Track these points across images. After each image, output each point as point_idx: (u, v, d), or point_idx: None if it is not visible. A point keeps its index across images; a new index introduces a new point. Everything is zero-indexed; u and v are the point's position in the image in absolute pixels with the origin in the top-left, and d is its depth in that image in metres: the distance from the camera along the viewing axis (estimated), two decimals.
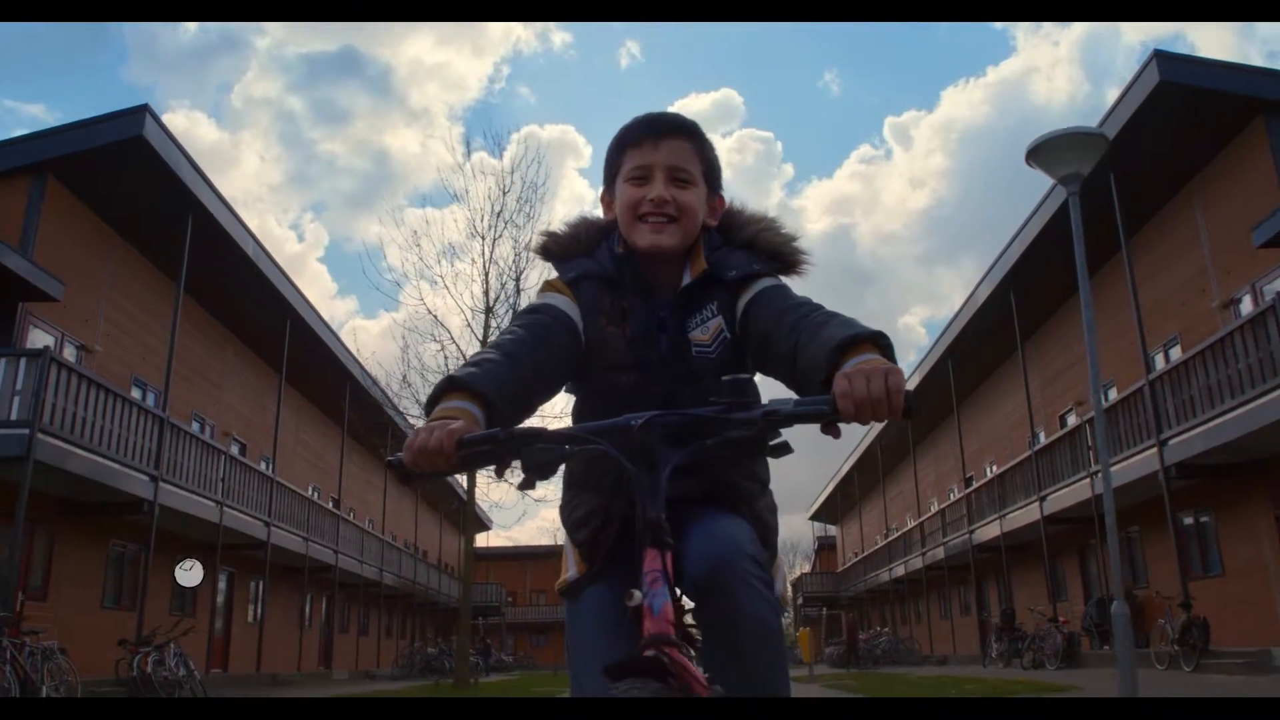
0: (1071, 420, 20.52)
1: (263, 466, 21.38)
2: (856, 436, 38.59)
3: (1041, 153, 7.26)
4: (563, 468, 1.82)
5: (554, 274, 1.90)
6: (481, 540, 49.44)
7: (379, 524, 32.40)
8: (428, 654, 29.35)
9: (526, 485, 1.53)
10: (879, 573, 36.64)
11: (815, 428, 1.45)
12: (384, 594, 32.07)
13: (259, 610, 22.05)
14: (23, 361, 12.26)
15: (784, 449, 1.66)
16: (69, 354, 14.98)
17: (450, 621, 45.50)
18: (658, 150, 1.80)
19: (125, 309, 16.95)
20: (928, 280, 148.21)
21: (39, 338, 14.41)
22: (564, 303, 1.81)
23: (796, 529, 76.32)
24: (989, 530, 23.09)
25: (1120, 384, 17.98)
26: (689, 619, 1.57)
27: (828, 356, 1.46)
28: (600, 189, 1.95)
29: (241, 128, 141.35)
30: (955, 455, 28.41)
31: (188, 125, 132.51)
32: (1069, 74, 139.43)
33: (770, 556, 1.75)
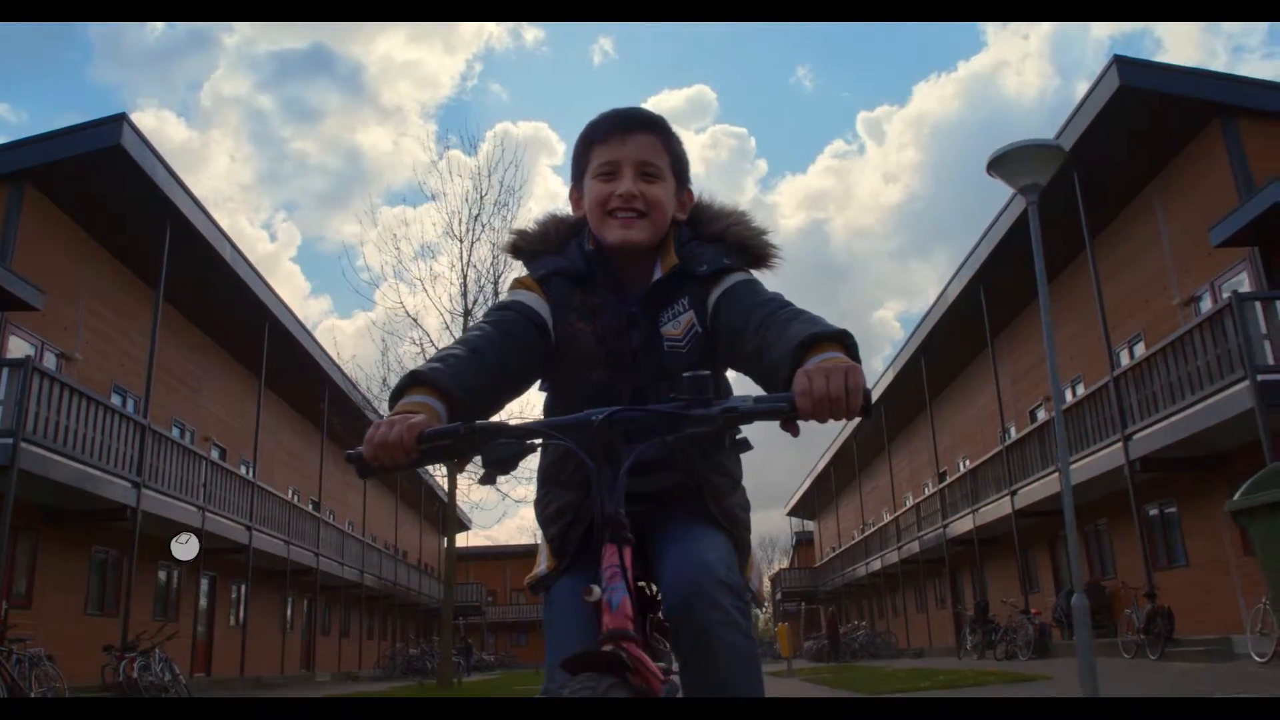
0: (1041, 415, 20.97)
1: (243, 470, 21.45)
2: (832, 432, 39.00)
3: (1002, 164, 7.55)
4: (536, 465, 1.88)
5: (525, 272, 1.92)
6: (461, 540, 49.49)
7: (359, 525, 32.47)
8: (410, 655, 29.50)
9: (487, 480, 1.56)
10: (856, 567, 37.06)
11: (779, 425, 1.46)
12: (365, 595, 32.17)
13: (242, 614, 22.13)
14: (5, 371, 12.34)
15: (743, 445, 1.69)
16: (49, 362, 15.05)
17: (431, 622, 45.60)
18: (625, 146, 1.80)
19: (104, 316, 17.01)
20: (901, 274, 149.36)
21: (18, 346, 14.48)
22: (534, 300, 1.82)
23: (774, 524, 76.94)
24: (962, 524, 23.51)
25: (1088, 379, 18.42)
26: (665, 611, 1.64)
27: (790, 354, 1.48)
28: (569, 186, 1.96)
29: (211, 126, 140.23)
30: (929, 450, 28.86)
31: (157, 124, 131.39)
32: (1039, 68, 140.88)
33: (743, 555, 1.77)
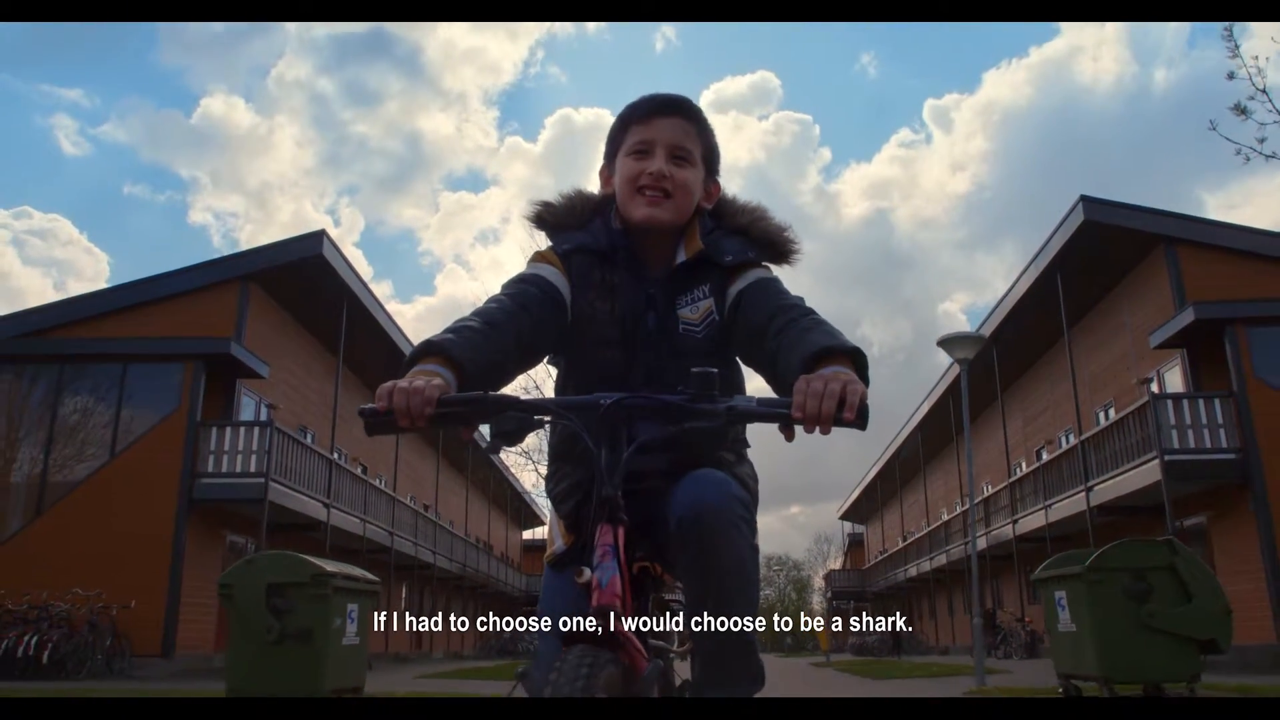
0: (1045, 455, 24.96)
1: (378, 483, 26.48)
2: (879, 446, 43.04)
3: (947, 344, 11.87)
4: (546, 441, 2.09)
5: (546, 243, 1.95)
6: (542, 533, 54.49)
7: (459, 524, 37.57)
8: (504, 637, 34.58)
9: (493, 449, 1.60)
10: (897, 571, 41.16)
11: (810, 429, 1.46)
12: (466, 585, 37.30)
13: (384, 602, 27.20)
14: (256, 430, 17.36)
15: (742, 444, 1.90)
16: (263, 413, 20.04)
17: (510, 607, 50.85)
18: (660, 127, 1.86)
19: (294, 372, 22.04)
20: (968, 266, 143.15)
21: (245, 402, 19.48)
22: (554, 275, 1.84)
23: (833, 524, 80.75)
24: (981, 542, 27.59)
25: (1076, 433, 22.42)
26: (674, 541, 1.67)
27: (801, 364, 1.53)
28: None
29: (276, 111, 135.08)
30: (958, 475, 32.93)
31: (226, 110, 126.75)
32: (1115, 54, 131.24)
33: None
